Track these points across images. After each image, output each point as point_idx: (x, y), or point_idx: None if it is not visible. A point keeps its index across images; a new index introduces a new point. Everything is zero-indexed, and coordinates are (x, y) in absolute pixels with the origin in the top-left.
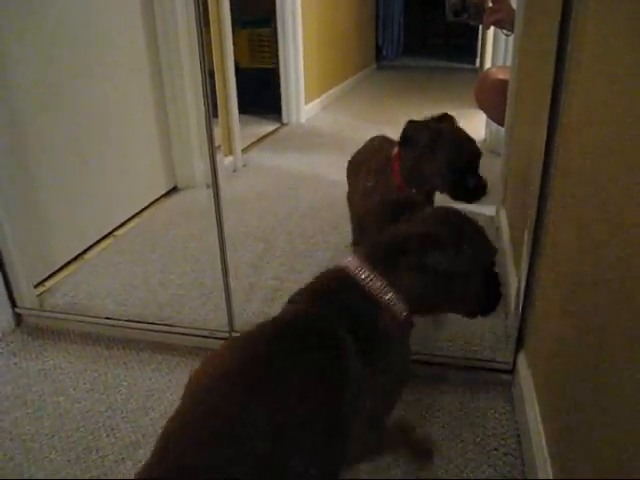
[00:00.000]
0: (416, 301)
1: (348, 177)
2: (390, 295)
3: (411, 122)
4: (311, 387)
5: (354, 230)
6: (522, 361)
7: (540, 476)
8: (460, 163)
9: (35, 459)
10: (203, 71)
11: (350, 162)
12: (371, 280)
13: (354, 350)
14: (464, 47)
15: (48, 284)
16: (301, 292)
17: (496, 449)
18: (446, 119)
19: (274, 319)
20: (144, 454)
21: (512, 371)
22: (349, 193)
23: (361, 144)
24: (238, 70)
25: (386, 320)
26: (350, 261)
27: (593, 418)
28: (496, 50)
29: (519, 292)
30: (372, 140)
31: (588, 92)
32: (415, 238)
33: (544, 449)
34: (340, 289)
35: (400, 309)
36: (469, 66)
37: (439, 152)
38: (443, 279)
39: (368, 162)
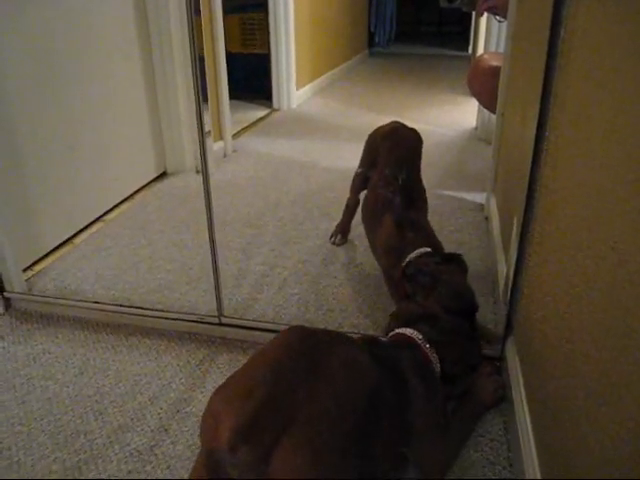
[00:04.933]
0: (438, 344)
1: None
2: (428, 346)
3: (418, 259)
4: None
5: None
6: (510, 348)
7: (525, 462)
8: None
9: (23, 443)
10: (193, 56)
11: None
12: (415, 335)
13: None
14: (457, 34)
15: (37, 268)
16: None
17: (482, 435)
18: (454, 260)
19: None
20: (132, 438)
21: (500, 358)
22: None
23: (352, 130)
24: (229, 55)
25: (422, 355)
26: (407, 330)
27: (579, 405)
28: (489, 37)
29: (508, 279)
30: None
31: (580, 80)
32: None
33: (530, 436)
34: (402, 340)
35: (432, 353)
36: (462, 53)
37: (433, 298)
38: (455, 339)
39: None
